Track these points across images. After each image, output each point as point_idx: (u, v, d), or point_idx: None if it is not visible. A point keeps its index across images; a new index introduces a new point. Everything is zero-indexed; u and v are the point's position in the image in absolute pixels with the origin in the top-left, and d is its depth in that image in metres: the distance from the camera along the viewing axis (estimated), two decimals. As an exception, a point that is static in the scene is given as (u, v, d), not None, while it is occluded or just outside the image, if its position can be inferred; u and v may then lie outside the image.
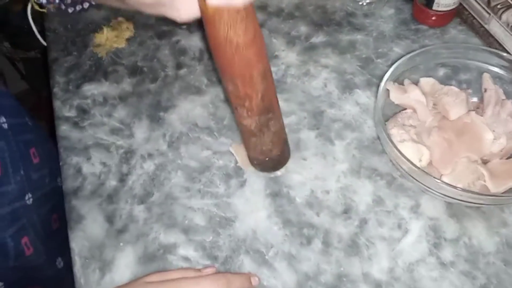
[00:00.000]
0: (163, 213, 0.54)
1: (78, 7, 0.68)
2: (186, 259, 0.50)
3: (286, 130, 0.59)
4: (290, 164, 0.57)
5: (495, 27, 0.66)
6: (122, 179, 0.57)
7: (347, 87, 0.64)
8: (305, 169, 0.57)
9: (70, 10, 0.67)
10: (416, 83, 0.58)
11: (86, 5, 0.68)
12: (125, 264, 0.51)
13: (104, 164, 0.58)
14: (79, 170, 0.58)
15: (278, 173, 0.56)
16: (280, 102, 0.62)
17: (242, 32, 0.39)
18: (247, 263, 0.50)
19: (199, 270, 0.48)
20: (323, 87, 0.64)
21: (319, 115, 0.61)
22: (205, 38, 0.70)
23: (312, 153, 0.58)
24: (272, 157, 0.53)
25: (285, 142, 0.54)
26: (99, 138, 0.60)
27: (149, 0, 0.40)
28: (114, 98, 0.64)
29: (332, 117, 0.61)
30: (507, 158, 0.53)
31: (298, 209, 0.54)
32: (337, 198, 0.54)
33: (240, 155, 0.57)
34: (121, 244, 0.52)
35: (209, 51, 0.44)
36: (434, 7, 0.66)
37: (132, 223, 0.53)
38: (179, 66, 0.67)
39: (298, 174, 0.56)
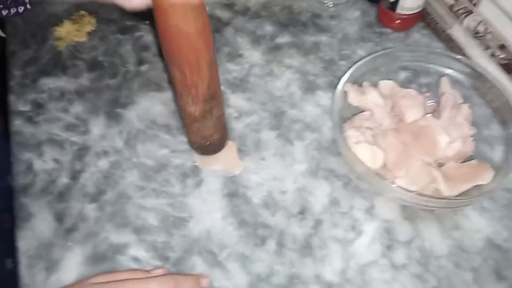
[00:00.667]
0: (115, 212, 0.52)
1: (13, 10, 0.66)
2: (137, 259, 0.49)
3: (247, 129, 0.59)
4: (248, 164, 0.56)
5: (457, 32, 0.67)
6: (75, 176, 0.55)
7: (310, 88, 0.64)
8: (264, 170, 0.56)
9: (4, 13, 0.65)
10: (376, 85, 0.58)
11: (21, 8, 0.67)
12: (73, 264, 0.49)
13: (56, 160, 0.56)
14: (30, 167, 0.56)
15: (236, 172, 0.56)
16: (242, 101, 0.62)
17: (192, 22, 0.40)
18: (199, 264, 0.49)
19: (148, 271, 0.47)
20: (285, 88, 0.64)
21: (280, 115, 0.61)
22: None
23: (271, 154, 0.58)
24: (213, 141, 0.54)
25: (225, 127, 0.56)
26: (53, 133, 0.59)
27: None
28: (71, 93, 0.63)
29: (293, 117, 0.61)
30: (462, 162, 0.53)
31: (254, 210, 0.53)
32: (293, 199, 0.54)
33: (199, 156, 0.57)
34: (70, 243, 0.50)
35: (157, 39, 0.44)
36: (398, 11, 0.67)
37: (82, 222, 0.52)
38: (140, 62, 0.66)
39: (256, 174, 0.56)
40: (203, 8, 0.41)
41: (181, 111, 0.52)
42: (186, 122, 0.53)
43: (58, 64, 0.66)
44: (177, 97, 0.49)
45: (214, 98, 0.49)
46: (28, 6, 0.67)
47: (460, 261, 0.49)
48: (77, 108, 0.61)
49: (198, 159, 0.56)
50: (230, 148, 0.58)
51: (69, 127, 0.59)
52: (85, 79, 0.64)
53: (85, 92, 0.63)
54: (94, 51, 0.68)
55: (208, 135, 0.53)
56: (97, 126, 0.59)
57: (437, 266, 0.49)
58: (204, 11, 0.41)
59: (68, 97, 0.62)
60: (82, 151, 0.57)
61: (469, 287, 0.47)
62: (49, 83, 0.64)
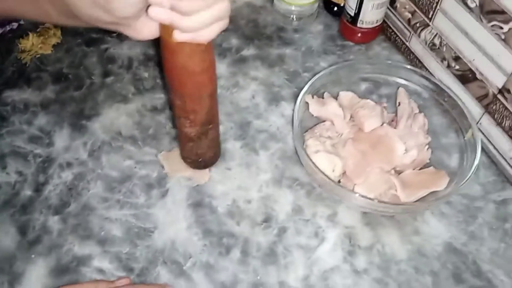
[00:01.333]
0: (78, 224, 0.52)
1: (8, 27, 0.66)
2: (101, 271, 0.49)
3: (213, 140, 0.60)
4: (214, 174, 0.57)
5: (415, 45, 0.69)
6: (38, 189, 0.55)
7: (274, 99, 0.65)
8: (229, 179, 0.57)
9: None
10: (336, 96, 0.60)
11: (15, 25, 0.67)
12: (36, 276, 0.49)
13: (20, 173, 0.56)
14: (-8, 180, 0.55)
15: (202, 181, 0.56)
16: (207, 113, 0.63)
17: (199, 62, 0.41)
18: (163, 274, 0.49)
19: (112, 282, 0.47)
20: (251, 99, 0.65)
21: (246, 126, 0.62)
22: (136, 46, 0.70)
23: (237, 163, 0.58)
24: (206, 158, 0.55)
25: (219, 146, 0.57)
26: (16, 146, 0.58)
27: (108, 19, 0.38)
28: (36, 105, 0.62)
29: (258, 128, 0.62)
30: (420, 169, 0.56)
31: (219, 219, 0.54)
32: (258, 208, 0.55)
33: (168, 163, 0.57)
34: (33, 256, 0.50)
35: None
36: (359, 24, 0.69)
37: (46, 234, 0.51)
38: (106, 74, 0.66)
39: (222, 184, 0.56)
40: (210, 47, 0.41)
41: (177, 131, 0.53)
42: (181, 141, 0.54)
43: (23, 77, 0.66)
44: (174, 118, 0.51)
45: (211, 123, 0.50)
46: (21, 21, 0.66)
47: (419, 265, 0.51)
48: (41, 120, 0.61)
49: (167, 166, 0.57)
50: None
51: (33, 139, 0.59)
52: (49, 91, 0.64)
53: (50, 104, 0.63)
54: (59, 63, 0.68)
55: (201, 153, 0.54)
56: (61, 138, 0.59)
57: (397, 270, 0.50)
58: (211, 50, 0.42)
59: (32, 109, 0.62)
60: (46, 163, 0.57)
61: (427, 290, 0.49)
62: (13, 95, 0.64)
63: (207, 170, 0.57)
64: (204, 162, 0.56)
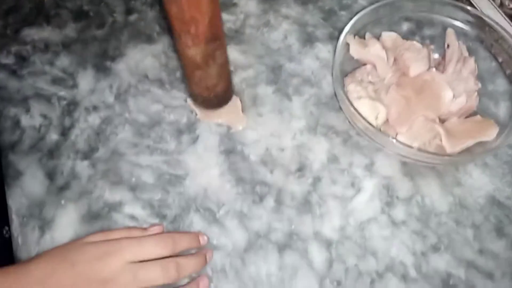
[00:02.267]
0: (108, 170, 0.51)
1: None
2: (133, 217, 0.48)
3: (243, 84, 0.57)
4: (245, 120, 0.54)
5: (463, -19, 0.63)
6: (64, 133, 0.53)
7: (308, 40, 0.61)
8: (261, 126, 0.54)
9: None
10: (378, 37, 0.56)
11: None
12: (67, 222, 0.48)
13: (44, 116, 0.54)
14: (17, 123, 0.53)
15: (239, 127, 0.54)
16: (237, 54, 0.59)
17: None
18: (196, 222, 0.48)
19: (145, 229, 0.46)
20: (283, 40, 0.61)
21: (278, 69, 0.58)
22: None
23: (269, 110, 0.55)
24: (217, 93, 0.51)
25: (229, 77, 0.52)
26: (39, 88, 0.56)
27: None
28: (57, 45, 0.59)
29: (291, 72, 0.58)
30: (465, 117, 0.52)
31: (252, 167, 0.52)
32: (292, 156, 0.52)
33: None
34: (63, 202, 0.49)
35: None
36: (402, -44, 0.63)
37: (75, 180, 0.50)
38: (129, 11, 0.62)
39: (253, 130, 0.54)
40: None
41: (181, 58, 0.47)
42: (187, 71, 0.49)
43: (41, 14, 0.62)
44: (175, 41, 0.45)
45: (217, 39, 0.44)
46: None
47: (460, 218, 0.49)
48: (64, 60, 0.58)
49: (199, 111, 0.54)
50: (233, 101, 0.55)
51: (56, 81, 0.56)
52: (70, 30, 0.61)
53: (71, 44, 0.59)
54: (79, 0, 0.63)
55: (212, 85, 0.49)
56: (85, 80, 0.56)
57: (437, 223, 0.48)
58: None
59: (53, 49, 0.59)
60: (71, 106, 0.55)
61: (469, 244, 0.47)
62: (32, 34, 0.60)
63: (241, 114, 0.54)
64: (217, 99, 0.52)
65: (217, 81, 0.50)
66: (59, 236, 0.47)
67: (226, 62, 0.49)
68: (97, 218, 0.48)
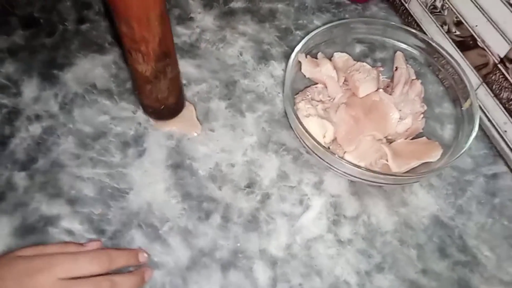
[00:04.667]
0: (47, 182, 0.48)
1: None
2: (70, 232, 0.46)
3: (196, 98, 0.56)
4: (196, 135, 0.54)
5: (414, 7, 0.65)
6: (3, 142, 0.50)
7: (263, 57, 0.61)
8: (212, 141, 0.53)
9: None
10: (330, 57, 0.56)
11: None
12: (-1, 236, 0.45)
13: (-17, 124, 0.51)
14: (-48, 130, 0.51)
15: (194, 134, 0.53)
16: (191, 68, 0.59)
17: None
18: (138, 238, 0.46)
19: (81, 244, 0.44)
20: (238, 56, 0.61)
21: (232, 85, 0.58)
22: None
23: (221, 125, 0.55)
24: (168, 105, 0.51)
25: (181, 90, 0.52)
26: (-21, 94, 0.53)
27: None
28: (3, 52, 0.57)
29: (245, 88, 0.58)
30: (412, 139, 0.53)
31: (200, 182, 0.50)
32: (242, 172, 0.52)
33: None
34: (-4, 214, 0.46)
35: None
36: (357, -19, 0.65)
37: (11, 191, 0.48)
38: (81, 20, 0.61)
39: (204, 145, 0.53)
40: None
41: (132, 72, 0.48)
42: (138, 84, 0.49)
43: (-12, 19, 0.60)
44: (126, 55, 0.45)
45: (167, 56, 0.45)
46: None
47: (405, 237, 0.49)
48: (9, 68, 0.56)
49: (153, 120, 0.53)
50: (188, 108, 0.55)
51: (-1, 88, 0.54)
52: (18, 37, 0.59)
53: (18, 51, 0.57)
54: (29, 7, 0.62)
55: (162, 98, 0.49)
56: (30, 88, 0.54)
57: (382, 242, 0.49)
58: None
59: (-2, 55, 0.57)
60: (12, 115, 0.52)
61: (413, 264, 0.47)
62: (-23, 39, 0.58)
63: (196, 120, 0.53)
64: (167, 110, 0.52)
65: (168, 95, 0.49)
66: (-11, 250, 0.44)
67: (177, 76, 0.50)
68: (32, 232, 0.46)
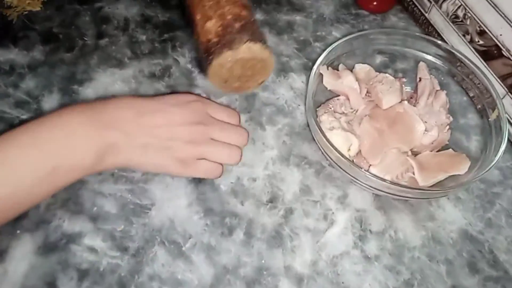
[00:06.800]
0: (68, 199, 0.48)
1: None
2: (93, 249, 0.45)
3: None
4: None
5: (435, 16, 0.65)
6: (24, 158, 0.50)
7: (283, 70, 0.60)
8: (232, 155, 0.53)
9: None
10: (351, 69, 0.56)
11: None
12: (21, 254, 0.45)
13: (4, 140, 0.51)
14: (-27, 147, 0.50)
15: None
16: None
17: None
18: (161, 255, 0.45)
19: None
20: (257, 68, 0.60)
21: (251, 98, 0.58)
22: (133, 6, 0.64)
23: (241, 138, 0.54)
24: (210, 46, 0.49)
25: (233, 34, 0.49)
26: (1, 111, 0.53)
27: None
28: (23, 67, 0.57)
29: (264, 101, 0.57)
30: (437, 151, 0.52)
31: (222, 198, 0.50)
32: (264, 186, 0.51)
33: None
34: (18, 231, 0.46)
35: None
36: (375, -9, 0.64)
37: (32, 208, 0.47)
38: (100, 35, 0.61)
39: (225, 159, 0.52)
40: None
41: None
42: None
43: (8, 35, 0.60)
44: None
45: None
46: None
47: (433, 253, 0.48)
48: (29, 83, 0.56)
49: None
50: None
51: (19, 104, 0.54)
52: (38, 52, 0.59)
53: (38, 66, 0.57)
54: (49, 22, 0.62)
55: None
56: (50, 104, 0.54)
57: (410, 258, 0.47)
58: None
59: (19, 71, 0.57)
60: (33, 131, 0.52)
61: (443, 280, 0.46)
62: (-3, 55, 0.58)
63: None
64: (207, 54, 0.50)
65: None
66: (12, 268, 0.44)
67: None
68: (54, 250, 0.45)
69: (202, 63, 0.51)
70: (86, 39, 0.60)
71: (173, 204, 0.49)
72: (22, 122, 0.52)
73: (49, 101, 0.54)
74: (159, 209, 0.48)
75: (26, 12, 0.62)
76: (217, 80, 0.51)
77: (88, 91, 0.56)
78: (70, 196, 0.48)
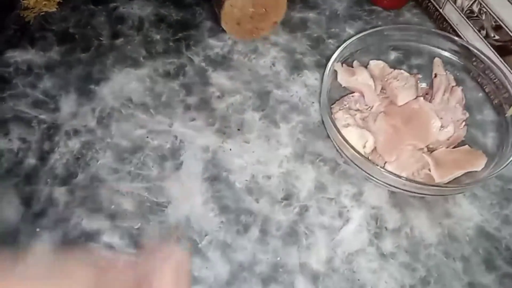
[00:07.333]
0: (87, 197, 0.49)
1: None
2: (111, 246, 0.46)
3: (230, 110, 0.56)
4: (231, 146, 0.53)
5: (450, 12, 0.64)
6: (43, 157, 0.51)
7: (296, 67, 0.60)
8: (247, 153, 0.53)
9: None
10: (366, 65, 0.55)
11: None
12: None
13: (23, 140, 0.52)
14: (-6, 146, 0.52)
15: (219, 154, 0.52)
16: (224, 80, 0.59)
17: None
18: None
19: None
20: (271, 66, 0.60)
21: (265, 95, 0.58)
22: (148, 6, 0.65)
23: (256, 136, 0.54)
24: None
25: None
26: (19, 111, 0.54)
27: None
28: (40, 67, 0.58)
29: (278, 98, 0.58)
30: (453, 147, 0.51)
31: (237, 195, 0.50)
32: (278, 184, 0.51)
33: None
34: (38, 229, 0.47)
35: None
36: (389, -13, 0.64)
37: (52, 206, 0.48)
38: (115, 35, 0.62)
39: (239, 157, 0.53)
40: None
41: None
42: None
43: (26, 36, 0.61)
44: None
45: None
46: None
47: (450, 250, 0.47)
48: (46, 83, 0.57)
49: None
50: None
51: (38, 104, 0.55)
52: (54, 53, 0.60)
53: (55, 66, 0.58)
54: (65, 23, 0.63)
55: None
56: (67, 103, 0.55)
57: (427, 255, 0.47)
58: None
59: (36, 71, 0.58)
60: (51, 130, 0.53)
61: (459, 277, 0.46)
62: (15, 55, 0.59)
63: None
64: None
65: None
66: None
67: None
68: (73, 247, 0.46)
69: (216, 13, 0.51)
70: (101, 39, 0.61)
71: (189, 201, 0.49)
72: (40, 122, 0.53)
73: (66, 101, 0.55)
74: (176, 206, 0.49)
75: (42, 13, 0.63)
76: (230, 23, 0.51)
77: (104, 90, 0.56)
78: (88, 194, 0.49)
